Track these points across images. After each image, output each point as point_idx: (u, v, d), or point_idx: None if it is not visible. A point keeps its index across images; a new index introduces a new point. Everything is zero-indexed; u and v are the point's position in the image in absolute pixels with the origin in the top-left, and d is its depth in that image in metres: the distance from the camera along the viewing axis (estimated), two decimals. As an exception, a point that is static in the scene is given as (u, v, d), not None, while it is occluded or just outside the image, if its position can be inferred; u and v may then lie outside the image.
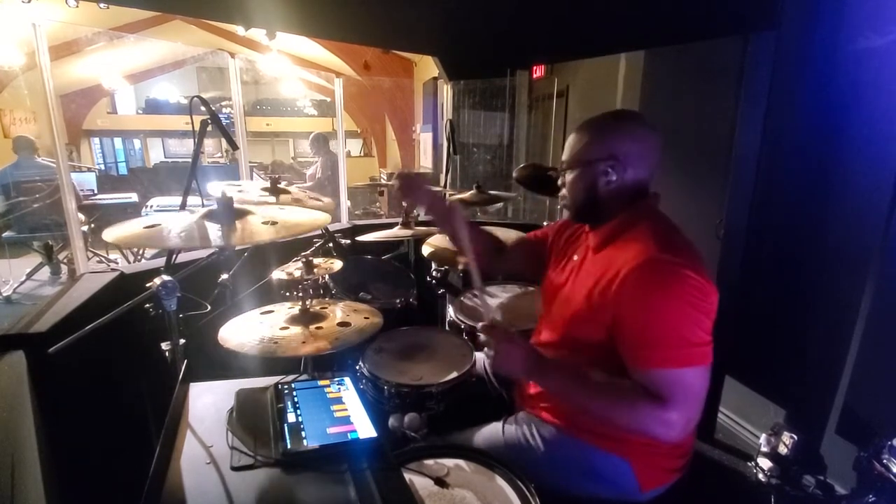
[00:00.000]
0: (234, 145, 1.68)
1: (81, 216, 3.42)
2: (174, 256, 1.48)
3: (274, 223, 1.05)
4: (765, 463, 1.23)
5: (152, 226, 1.02)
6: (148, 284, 1.12)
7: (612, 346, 1.01)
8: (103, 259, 4.62)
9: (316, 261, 1.54)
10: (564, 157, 1.16)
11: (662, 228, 1.05)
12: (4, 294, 4.21)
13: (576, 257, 1.20)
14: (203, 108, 1.43)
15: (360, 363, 1.40)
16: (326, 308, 1.36)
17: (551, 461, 1.10)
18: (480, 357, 1.48)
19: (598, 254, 1.11)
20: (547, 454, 1.11)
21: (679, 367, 0.92)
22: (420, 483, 0.95)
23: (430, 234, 1.89)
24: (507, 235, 1.98)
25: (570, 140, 1.15)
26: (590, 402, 1.01)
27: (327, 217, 1.18)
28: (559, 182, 1.19)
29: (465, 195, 2.23)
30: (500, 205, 2.47)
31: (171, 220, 1.05)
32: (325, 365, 1.36)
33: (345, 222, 3.06)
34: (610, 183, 1.08)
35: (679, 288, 0.93)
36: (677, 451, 1.09)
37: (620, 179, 1.07)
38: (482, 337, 1.09)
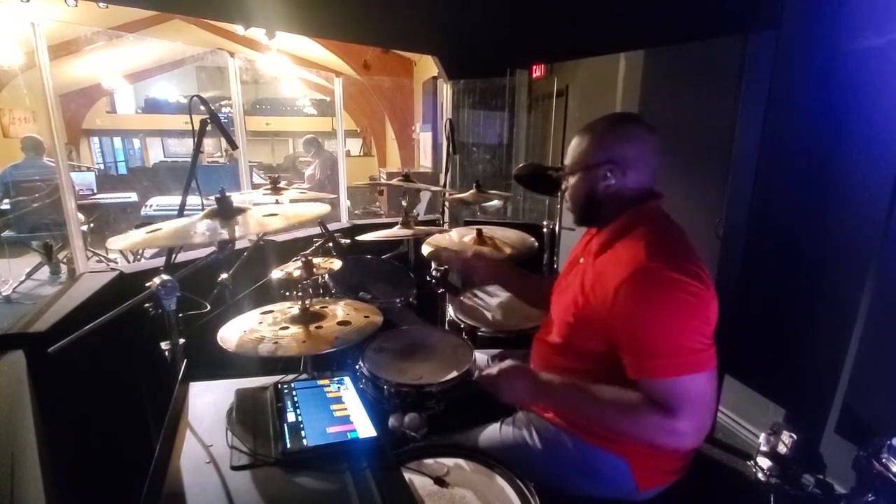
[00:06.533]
0: (233, 145, 1.67)
1: (81, 216, 3.41)
2: (174, 256, 1.48)
3: (274, 215, 1.05)
4: (764, 462, 1.23)
5: (154, 230, 1.01)
6: (147, 284, 1.11)
7: (612, 357, 1.01)
8: (103, 259, 4.61)
9: (315, 260, 1.54)
10: (566, 161, 1.17)
11: (658, 232, 1.03)
12: (4, 294, 4.21)
13: (581, 260, 1.20)
14: (202, 108, 1.42)
15: (360, 363, 1.39)
16: (326, 307, 1.36)
17: (550, 460, 1.10)
18: (482, 357, 1.48)
19: (598, 259, 1.11)
20: (545, 453, 1.11)
21: (681, 375, 0.91)
22: (420, 482, 0.95)
23: (430, 234, 1.89)
24: (507, 235, 2.00)
25: (572, 144, 1.15)
26: (598, 417, 1.02)
27: (326, 207, 1.17)
28: (563, 186, 1.20)
29: (465, 195, 2.24)
30: (499, 204, 2.46)
31: (172, 224, 1.05)
32: (325, 364, 1.36)
33: (344, 222, 3.06)
34: (609, 187, 1.09)
35: (671, 295, 0.93)
36: (677, 454, 1.09)
37: (620, 183, 1.08)
38: (491, 373, 1.12)
